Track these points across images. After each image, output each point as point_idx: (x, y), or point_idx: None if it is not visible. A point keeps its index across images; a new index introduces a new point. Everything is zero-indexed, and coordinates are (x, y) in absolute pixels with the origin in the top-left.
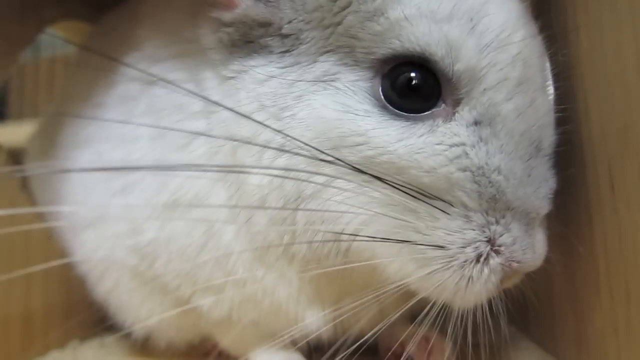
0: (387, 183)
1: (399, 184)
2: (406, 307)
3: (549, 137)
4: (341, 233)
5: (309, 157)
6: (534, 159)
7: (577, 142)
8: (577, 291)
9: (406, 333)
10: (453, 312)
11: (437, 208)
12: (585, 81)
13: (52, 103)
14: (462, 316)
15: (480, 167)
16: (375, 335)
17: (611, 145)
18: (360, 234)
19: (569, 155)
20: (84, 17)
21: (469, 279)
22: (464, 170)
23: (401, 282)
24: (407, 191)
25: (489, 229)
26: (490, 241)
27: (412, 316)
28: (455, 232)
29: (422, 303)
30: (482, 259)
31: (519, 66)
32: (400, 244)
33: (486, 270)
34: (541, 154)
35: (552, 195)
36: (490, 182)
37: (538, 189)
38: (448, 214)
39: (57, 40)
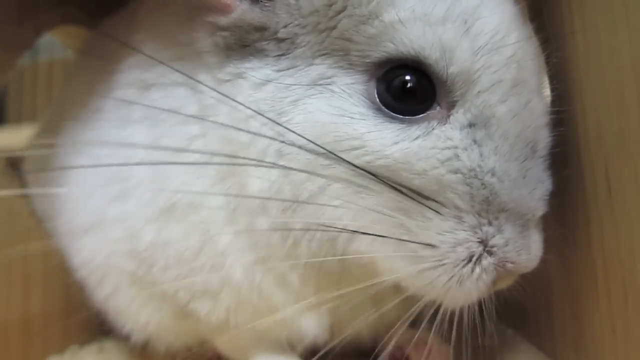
0: (382, 182)
1: (393, 184)
2: (402, 309)
3: (544, 139)
4: (341, 229)
5: (308, 157)
6: (529, 160)
7: (574, 145)
8: (575, 293)
9: (405, 336)
10: (452, 315)
11: (429, 208)
12: (581, 84)
13: (51, 107)
14: (461, 319)
15: (472, 169)
16: (374, 339)
17: (608, 148)
18: (356, 237)
19: (566, 157)
20: (82, 23)
21: (459, 278)
22: (455, 172)
23: (392, 278)
24: (401, 190)
25: (481, 230)
26: (483, 242)
27: (411, 319)
28: (447, 232)
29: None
30: (474, 259)
31: (513, 68)
32: (394, 243)
33: (477, 270)
34: (536, 156)
35: (547, 196)
36: (483, 184)
37: (533, 191)
38: (440, 214)
39: (55, 44)
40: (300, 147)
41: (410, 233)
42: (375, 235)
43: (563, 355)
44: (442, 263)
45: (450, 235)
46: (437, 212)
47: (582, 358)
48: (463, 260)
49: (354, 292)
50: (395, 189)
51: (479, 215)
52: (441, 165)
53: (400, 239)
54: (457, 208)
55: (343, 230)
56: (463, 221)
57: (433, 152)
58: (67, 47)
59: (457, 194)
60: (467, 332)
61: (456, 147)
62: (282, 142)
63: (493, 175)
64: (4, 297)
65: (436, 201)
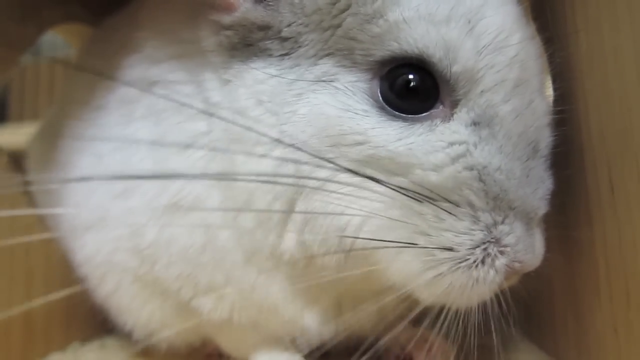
0: (387, 186)
1: (401, 186)
2: (404, 307)
3: (545, 139)
4: (343, 235)
5: (310, 154)
6: (532, 160)
7: (577, 144)
8: (577, 293)
9: (407, 334)
10: (454, 314)
11: (443, 209)
12: (584, 83)
13: (53, 105)
14: (463, 317)
15: (485, 166)
16: (376, 337)
17: (611, 147)
18: (361, 236)
19: (568, 157)
20: (85, 20)
21: (474, 281)
22: (471, 169)
23: (406, 286)
24: (410, 195)
25: (496, 229)
26: (496, 241)
27: (413, 317)
28: (463, 233)
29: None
30: (488, 260)
31: (517, 68)
32: (403, 246)
33: (492, 272)
34: (538, 155)
35: (549, 196)
36: (494, 180)
37: (536, 190)
38: (453, 214)
39: (57, 42)
40: (302, 140)
41: (424, 236)
42: (389, 242)
43: (564, 354)
44: (459, 266)
45: (466, 236)
46: (450, 212)
47: (584, 357)
48: (479, 261)
49: (357, 293)
50: (402, 193)
51: (493, 212)
52: (455, 161)
53: (415, 244)
54: (472, 206)
55: (356, 237)
56: (479, 220)
57: (439, 146)
58: (69, 45)
59: (472, 191)
60: (469, 330)
61: (466, 143)
62: (283, 133)
63: (501, 173)
64: (6, 294)
65: (449, 201)
